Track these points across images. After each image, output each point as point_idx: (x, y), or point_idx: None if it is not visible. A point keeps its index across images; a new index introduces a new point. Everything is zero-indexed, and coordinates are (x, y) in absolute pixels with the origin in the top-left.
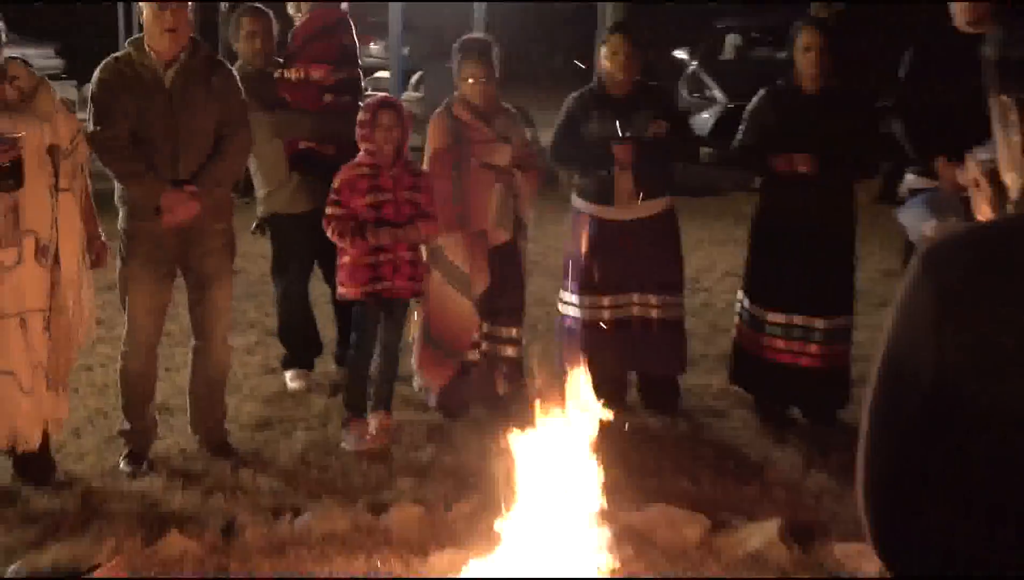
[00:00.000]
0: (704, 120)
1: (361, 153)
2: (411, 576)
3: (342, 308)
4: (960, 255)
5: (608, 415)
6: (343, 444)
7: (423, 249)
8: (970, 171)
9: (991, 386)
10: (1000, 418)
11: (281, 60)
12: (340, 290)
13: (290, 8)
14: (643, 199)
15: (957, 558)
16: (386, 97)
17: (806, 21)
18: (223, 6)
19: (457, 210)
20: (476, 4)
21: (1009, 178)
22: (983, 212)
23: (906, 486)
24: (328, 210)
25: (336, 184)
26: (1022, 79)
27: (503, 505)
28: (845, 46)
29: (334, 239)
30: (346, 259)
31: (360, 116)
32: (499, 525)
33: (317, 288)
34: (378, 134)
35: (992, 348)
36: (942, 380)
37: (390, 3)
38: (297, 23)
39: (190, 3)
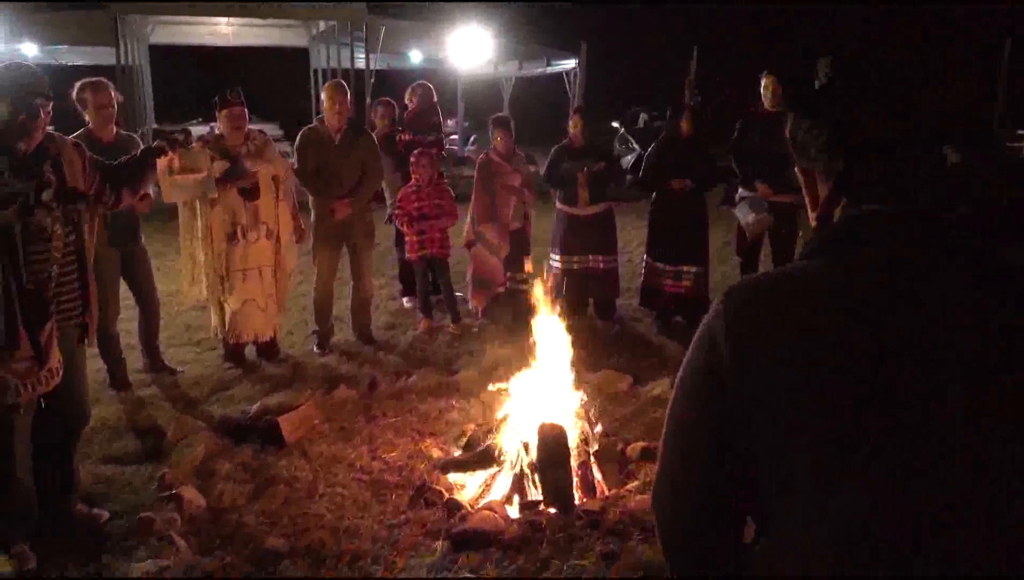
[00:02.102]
0: (627, 161)
1: (413, 180)
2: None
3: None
4: (750, 299)
5: (575, 321)
6: (420, 328)
7: (467, 231)
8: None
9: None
10: (770, 437)
11: (399, 128)
12: (406, 254)
13: (405, 98)
14: (592, 203)
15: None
16: (422, 150)
17: (684, 103)
18: (368, 100)
19: (491, 210)
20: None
21: (813, 221)
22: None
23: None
24: (396, 211)
25: (399, 197)
26: (800, 153)
27: (520, 369)
28: (705, 116)
29: (399, 227)
30: (407, 237)
31: (412, 160)
32: (519, 379)
33: None
34: (419, 170)
35: (768, 376)
36: (731, 403)
37: (458, 98)
38: (409, 107)
39: (348, 98)
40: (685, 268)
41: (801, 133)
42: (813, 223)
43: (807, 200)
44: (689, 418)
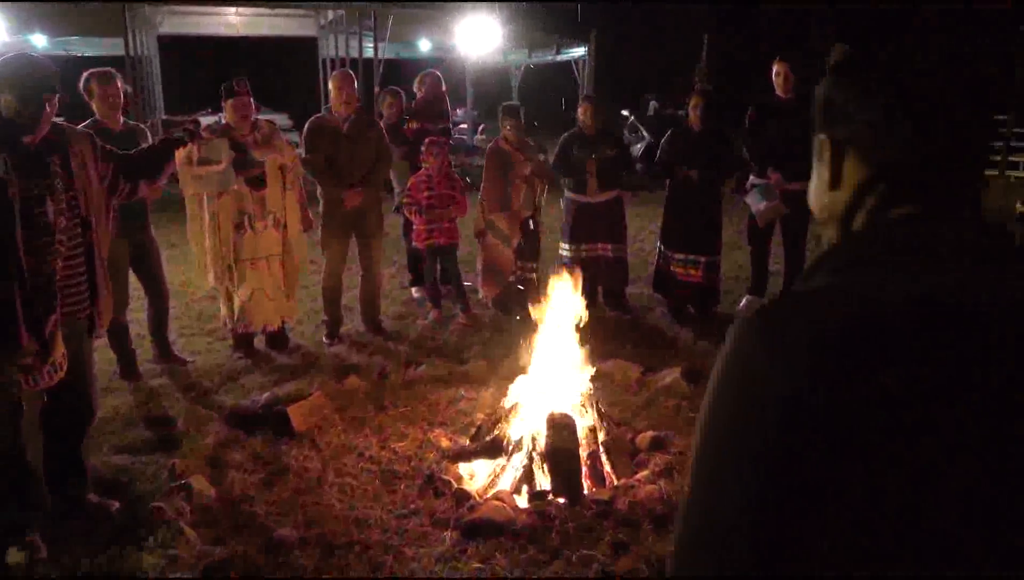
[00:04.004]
0: (637, 149)
1: (422, 169)
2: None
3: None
4: (801, 332)
5: (585, 310)
6: (429, 317)
7: (477, 221)
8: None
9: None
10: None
11: (407, 117)
12: (414, 244)
13: (414, 87)
14: (602, 191)
15: None
16: (432, 139)
17: (694, 91)
18: (377, 88)
19: (502, 199)
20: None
21: (815, 206)
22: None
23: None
24: (405, 200)
25: (408, 185)
26: (837, 121)
27: (531, 357)
28: (716, 104)
29: (408, 216)
30: (415, 227)
31: (422, 150)
32: (529, 367)
33: None
34: (430, 160)
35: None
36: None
37: (467, 87)
38: (417, 96)
39: (356, 87)
40: (698, 257)
41: (842, 94)
42: (821, 211)
43: (824, 178)
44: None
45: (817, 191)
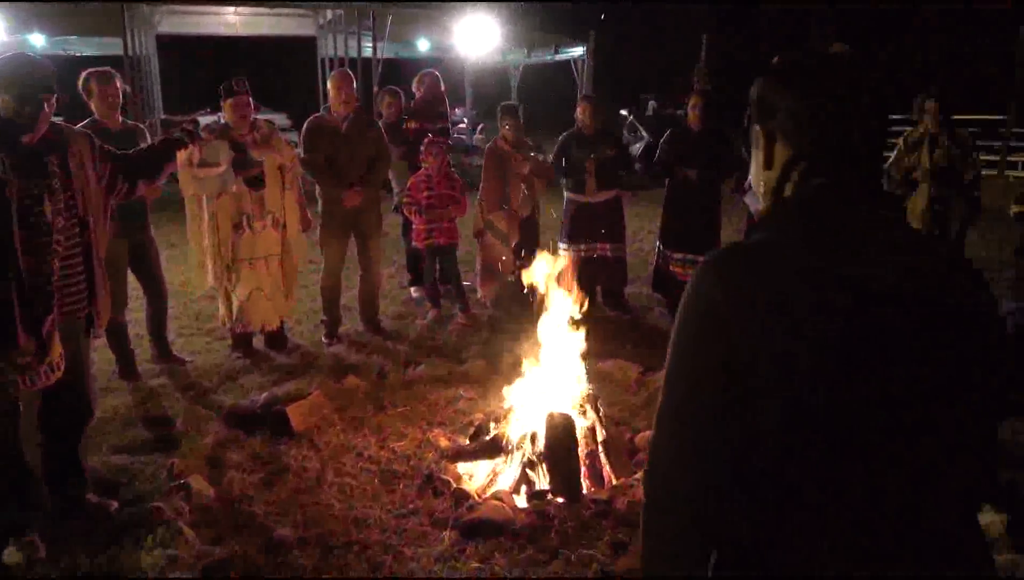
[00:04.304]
0: (636, 149)
1: (422, 169)
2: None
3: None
4: (742, 270)
5: (584, 310)
6: (428, 317)
7: (476, 220)
8: None
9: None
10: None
11: (405, 116)
12: (413, 242)
13: (413, 87)
14: (600, 191)
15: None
16: (431, 139)
17: (693, 91)
18: (375, 88)
19: (500, 199)
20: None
21: (754, 183)
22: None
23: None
24: (404, 200)
25: (408, 185)
26: (767, 115)
27: (531, 358)
28: (715, 105)
29: (408, 216)
30: (414, 226)
31: (421, 150)
32: (528, 368)
33: None
34: (429, 160)
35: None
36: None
37: (466, 87)
38: (416, 96)
39: (355, 87)
40: (696, 257)
41: (773, 96)
42: (758, 186)
43: (760, 160)
44: (695, 371)
45: (755, 171)
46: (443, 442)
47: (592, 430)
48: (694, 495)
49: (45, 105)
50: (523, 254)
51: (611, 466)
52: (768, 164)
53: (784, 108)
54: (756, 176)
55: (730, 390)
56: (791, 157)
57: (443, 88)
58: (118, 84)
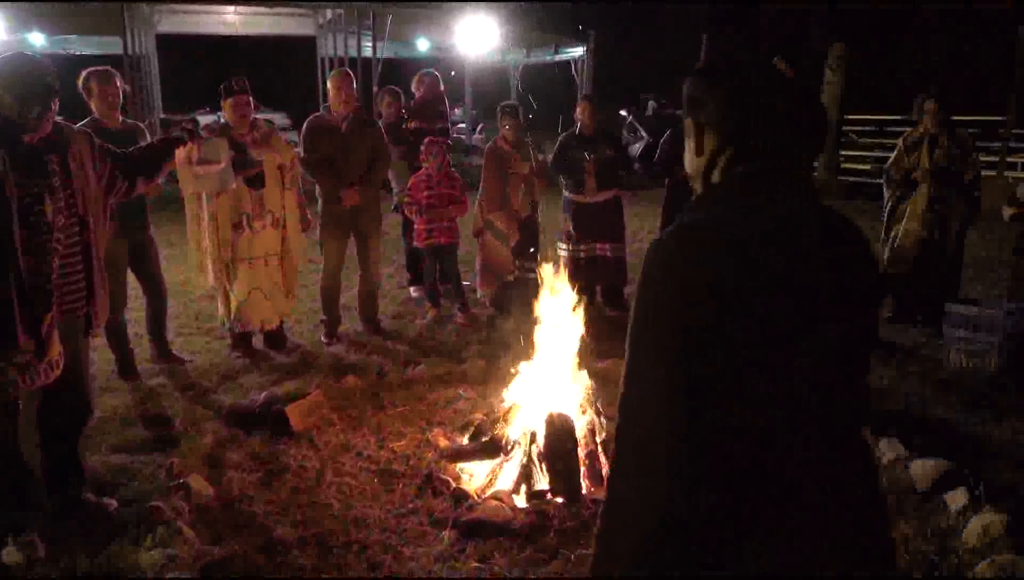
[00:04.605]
0: (635, 149)
1: (422, 169)
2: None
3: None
4: (692, 248)
5: (583, 309)
6: (427, 316)
7: (475, 220)
8: None
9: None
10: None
11: (405, 116)
12: (414, 242)
13: (412, 87)
14: (600, 190)
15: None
16: (431, 139)
17: None
18: (375, 87)
19: (500, 199)
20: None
21: (688, 168)
22: None
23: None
24: (406, 200)
25: (409, 185)
26: (697, 108)
27: (529, 357)
28: None
29: (409, 216)
30: (415, 226)
31: (421, 150)
32: (527, 368)
33: None
34: (430, 159)
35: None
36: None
37: (465, 85)
38: (416, 95)
39: (354, 87)
40: None
41: (701, 92)
42: (691, 170)
43: (691, 148)
44: (665, 344)
45: (689, 158)
46: (442, 442)
47: (592, 430)
48: (663, 483)
49: (51, 105)
50: (524, 253)
51: None
52: (699, 151)
53: (710, 103)
54: (689, 163)
55: (687, 363)
56: (717, 146)
57: (443, 88)
58: (118, 83)
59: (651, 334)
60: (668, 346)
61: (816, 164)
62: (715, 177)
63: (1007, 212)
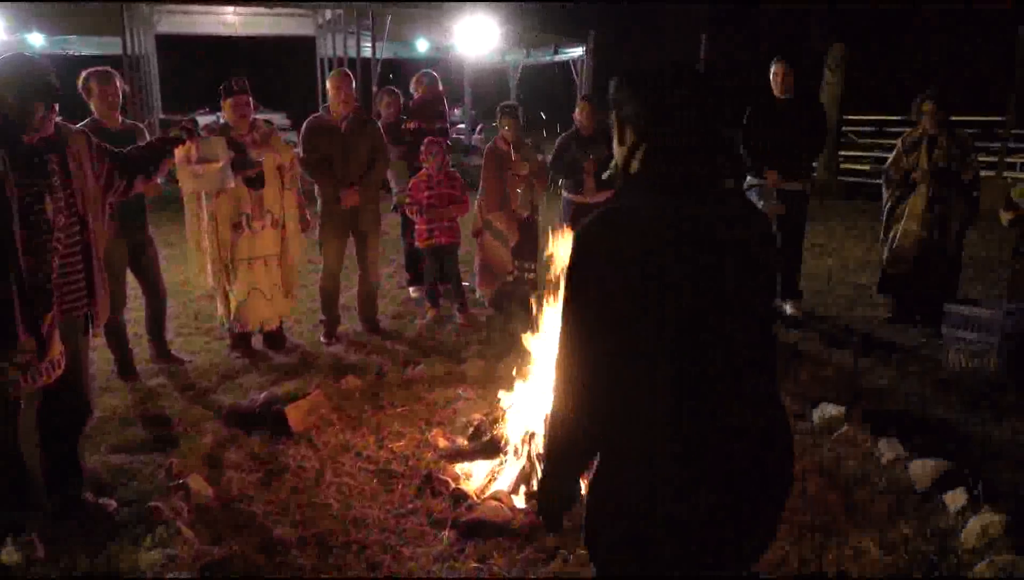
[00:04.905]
0: None
1: (422, 169)
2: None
3: (413, 252)
4: (607, 233)
5: None
6: (427, 317)
7: (475, 220)
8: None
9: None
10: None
11: (404, 116)
12: (415, 243)
13: (411, 87)
14: (599, 191)
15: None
16: (431, 139)
17: None
18: (375, 88)
19: (499, 199)
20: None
21: (616, 159)
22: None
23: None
24: (406, 200)
25: (409, 185)
26: (619, 108)
27: (527, 358)
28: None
29: (410, 216)
30: (416, 226)
31: (421, 150)
32: (527, 369)
33: None
34: (430, 160)
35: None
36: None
37: (465, 85)
38: (415, 96)
39: (354, 87)
40: None
41: (621, 95)
42: (617, 158)
43: (616, 138)
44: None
45: (615, 148)
46: (442, 442)
47: None
48: (583, 418)
49: (54, 107)
50: (523, 254)
51: None
52: (621, 141)
53: (628, 104)
54: (615, 151)
55: (606, 325)
56: (635, 141)
57: (442, 88)
58: (118, 84)
59: (579, 299)
60: (590, 309)
61: (816, 164)
62: (634, 167)
63: (1004, 216)
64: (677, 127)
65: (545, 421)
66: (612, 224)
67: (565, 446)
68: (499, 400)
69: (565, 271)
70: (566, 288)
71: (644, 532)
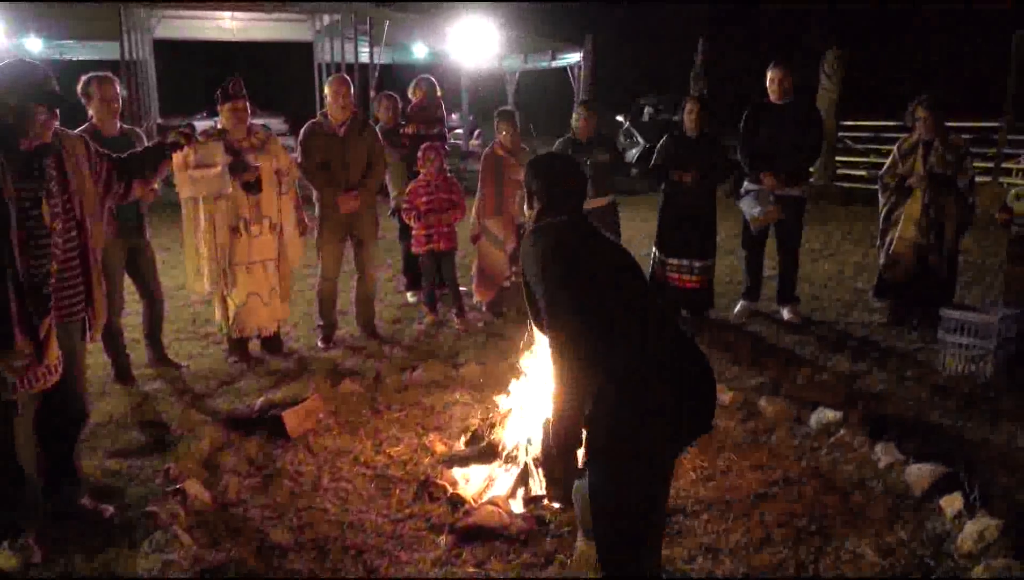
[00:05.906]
0: (632, 154)
1: (421, 175)
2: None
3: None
4: (551, 240)
5: None
6: (424, 321)
7: (472, 225)
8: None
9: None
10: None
11: (402, 121)
12: (413, 249)
13: (409, 92)
14: (597, 196)
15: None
16: (428, 145)
17: (689, 96)
18: (372, 92)
19: (497, 204)
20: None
21: (526, 215)
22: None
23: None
24: (404, 205)
25: (407, 190)
26: (527, 180)
27: (524, 365)
28: (711, 109)
29: (407, 221)
30: (414, 232)
31: (419, 156)
32: (525, 376)
33: None
34: (427, 165)
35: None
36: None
37: (462, 92)
38: (412, 101)
39: (352, 92)
40: (694, 263)
41: (528, 176)
42: (526, 213)
43: (527, 204)
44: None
45: (525, 208)
46: (439, 447)
47: None
48: (577, 398)
49: (54, 112)
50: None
51: None
52: (530, 205)
53: (533, 182)
54: (525, 210)
55: (552, 293)
56: (536, 203)
57: (439, 93)
58: (117, 88)
59: (538, 280)
60: (545, 284)
61: (813, 169)
62: (540, 222)
63: (1000, 216)
64: (558, 198)
65: (545, 422)
66: (545, 233)
67: (570, 426)
68: (496, 405)
69: (524, 266)
70: (544, 279)
71: (627, 421)
